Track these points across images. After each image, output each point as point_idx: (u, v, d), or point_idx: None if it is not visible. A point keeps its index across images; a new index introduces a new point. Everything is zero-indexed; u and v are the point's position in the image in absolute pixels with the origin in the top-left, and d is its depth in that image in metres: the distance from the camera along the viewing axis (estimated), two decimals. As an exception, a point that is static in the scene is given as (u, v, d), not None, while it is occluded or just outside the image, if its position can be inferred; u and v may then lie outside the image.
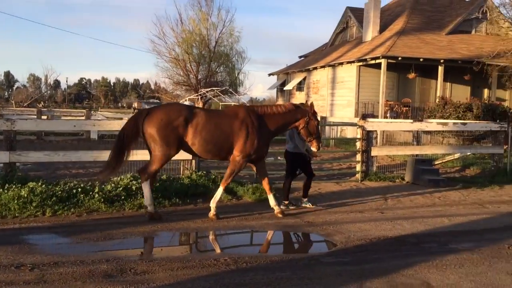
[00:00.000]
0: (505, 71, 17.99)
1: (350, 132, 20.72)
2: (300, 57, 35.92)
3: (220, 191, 7.01)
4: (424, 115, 19.83)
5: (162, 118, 6.56)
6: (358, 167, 10.92)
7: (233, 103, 35.72)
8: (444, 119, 17.31)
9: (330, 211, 7.61)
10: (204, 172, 9.22)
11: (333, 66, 25.60)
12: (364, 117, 13.31)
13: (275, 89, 35.26)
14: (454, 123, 13.06)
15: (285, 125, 7.31)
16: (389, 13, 27.33)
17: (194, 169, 9.25)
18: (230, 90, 39.26)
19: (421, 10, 25.94)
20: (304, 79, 29.51)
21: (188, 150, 6.88)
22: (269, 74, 35.34)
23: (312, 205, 7.93)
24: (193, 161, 9.25)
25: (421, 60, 21.11)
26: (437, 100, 20.78)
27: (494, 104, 18.86)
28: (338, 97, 25.51)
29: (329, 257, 5.29)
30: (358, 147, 11.11)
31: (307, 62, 30.76)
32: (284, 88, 31.64)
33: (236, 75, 42.09)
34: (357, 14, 27.04)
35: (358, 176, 10.78)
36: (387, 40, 23.06)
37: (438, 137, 17.54)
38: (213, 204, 6.88)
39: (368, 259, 5.26)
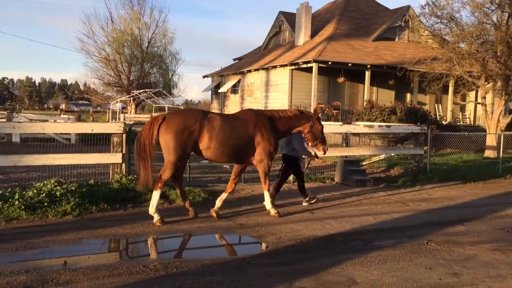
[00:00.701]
0: (425, 77, 19.18)
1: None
2: (235, 59, 36.10)
3: (266, 194, 7.48)
4: (352, 117, 20.66)
5: (179, 123, 6.67)
6: (290, 169, 11.13)
7: (167, 105, 35.15)
8: (371, 121, 18.16)
9: (263, 213, 7.69)
10: (135, 176, 8.96)
11: (267, 69, 25.99)
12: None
13: (210, 91, 35.14)
14: (380, 126, 13.73)
15: (290, 128, 7.65)
16: (319, 19, 28.22)
17: (124, 173, 8.97)
18: (164, 92, 38.60)
19: (349, 17, 27.05)
20: (239, 81, 29.70)
21: (201, 153, 6.98)
22: (204, 76, 35.18)
23: (312, 201, 8.57)
24: (123, 164, 8.98)
25: (349, 65, 22.00)
26: (365, 103, 21.76)
27: (415, 107, 20.07)
28: (272, 100, 25.93)
29: (260, 259, 5.34)
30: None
31: (242, 65, 30.98)
32: (219, 91, 31.64)
33: (170, 76, 41.53)
34: (290, 18, 27.68)
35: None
36: (318, 45, 23.80)
37: (366, 139, 18.38)
38: (268, 206, 7.42)
39: (298, 258, 5.37)
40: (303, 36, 25.71)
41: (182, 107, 39.33)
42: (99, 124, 9.92)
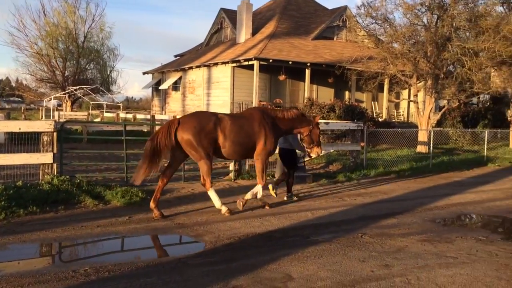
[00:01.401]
0: (362, 75, 19.83)
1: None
2: (176, 56, 35.54)
3: (259, 187, 7.80)
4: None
5: (195, 126, 7.10)
6: (231, 166, 11.11)
7: (105, 103, 33.96)
8: (311, 118, 18.51)
9: (202, 212, 7.60)
10: (68, 176, 8.56)
11: (209, 66, 25.80)
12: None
13: (151, 88, 34.36)
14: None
15: (291, 129, 8.20)
16: (260, 16, 28.40)
17: (55, 173, 8.54)
18: (102, 88, 37.26)
19: (289, 15, 27.43)
20: (180, 78, 29.26)
21: (218, 152, 7.44)
22: (144, 73, 34.32)
23: (295, 199, 8.89)
24: (55, 164, 8.55)
25: (290, 63, 22.31)
26: (305, 101, 22.17)
27: (353, 105, 20.72)
28: (214, 97, 25.78)
29: (197, 258, 5.26)
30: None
31: (183, 62, 30.55)
32: (160, 87, 31.02)
33: (108, 72, 40.15)
34: (231, 16, 27.63)
35: (232, 175, 10.97)
36: (259, 42, 23.94)
37: (306, 135, 18.70)
38: (247, 197, 7.75)
39: (236, 257, 5.34)
40: (244, 34, 25.75)
41: (121, 105, 38.18)
42: (28, 122, 9.35)
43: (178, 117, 9.07)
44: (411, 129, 19.29)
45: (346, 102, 23.04)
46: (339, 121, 16.85)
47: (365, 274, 4.87)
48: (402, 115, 28.62)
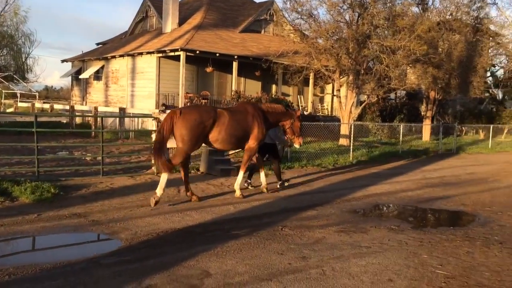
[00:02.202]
0: (288, 69, 20.14)
1: (151, 124, 20.43)
2: (98, 44, 33.90)
3: (240, 175, 8.52)
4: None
5: (195, 118, 7.57)
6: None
7: (19, 92, 31.64)
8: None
9: (120, 207, 7.27)
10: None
11: (133, 55, 24.87)
12: (166, 108, 13.29)
13: (70, 77, 32.52)
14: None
15: (277, 121, 8.98)
16: (187, 7, 27.85)
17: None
18: (16, 76, 34.67)
19: (217, 7, 27.16)
20: (103, 67, 27.96)
21: (210, 143, 8.04)
22: (63, 61, 32.35)
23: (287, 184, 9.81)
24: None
25: (217, 55, 22.09)
26: (232, 93, 22.12)
27: (279, 98, 21.01)
28: (139, 88, 24.93)
29: (110, 258, 5.00)
30: (154, 139, 10.96)
31: (105, 50, 29.19)
32: (80, 77, 29.43)
33: (24, 59, 37.46)
34: (157, 4, 26.81)
35: (154, 169, 10.64)
36: (186, 33, 23.47)
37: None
38: (237, 187, 8.47)
39: (153, 254, 5.15)
40: (170, 24, 25.10)
41: (36, 94, 35.78)
42: None
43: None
44: (334, 122, 19.94)
45: (273, 96, 23.31)
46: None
47: (283, 267, 4.90)
48: (326, 109, 29.52)
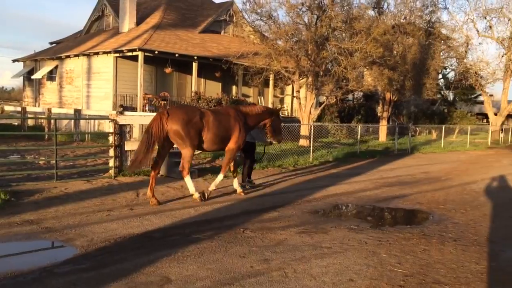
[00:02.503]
0: (248, 70, 20.16)
1: (108, 126, 19.90)
2: (52, 43, 32.73)
3: (220, 177, 8.75)
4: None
5: (184, 115, 7.85)
6: (111, 163, 10.50)
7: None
8: (198, 113, 18.31)
9: (75, 213, 7.01)
10: None
11: (89, 55, 24.17)
12: (123, 110, 12.91)
13: (22, 77, 31.22)
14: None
15: (258, 122, 9.20)
16: (145, 6, 27.37)
17: None
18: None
19: (176, 7, 26.84)
20: (56, 67, 27.00)
21: (199, 144, 8.19)
22: (14, 60, 31.01)
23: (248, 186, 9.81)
24: None
25: (176, 55, 21.81)
26: (192, 94, 21.90)
27: (240, 99, 20.97)
28: (95, 89, 24.24)
29: (65, 266, 4.78)
30: (111, 142, 10.68)
31: (60, 50, 28.22)
32: (32, 77, 28.31)
33: (-31, 58, 35.58)
34: (113, 3, 26.20)
35: (112, 172, 10.36)
36: (144, 33, 23.05)
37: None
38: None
39: (110, 261, 4.98)
40: (128, 23, 24.57)
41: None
42: None
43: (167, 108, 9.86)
44: (294, 123, 20.12)
45: (234, 97, 23.26)
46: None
47: (245, 270, 4.86)
48: (287, 110, 29.77)
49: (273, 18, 18.43)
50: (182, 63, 23.43)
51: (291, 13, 18.10)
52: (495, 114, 32.84)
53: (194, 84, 23.30)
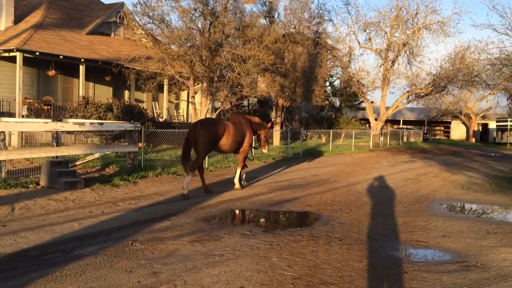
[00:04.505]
0: (141, 75, 19.49)
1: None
2: None
3: (239, 171, 11.03)
4: (66, 114, 19.21)
5: (212, 129, 10.06)
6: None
7: None
8: (86, 118, 17.25)
9: None
10: None
11: (-43, 55, 21.49)
12: (0, 115, 11.67)
13: None
14: (91, 123, 13.11)
15: (257, 130, 11.56)
16: (25, 3, 25.19)
17: None
18: None
19: (60, 6, 25.12)
20: None
21: (218, 148, 10.44)
22: None
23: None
24: None
25: (61, 57, 20.35)
26: (80, 99, 20.57)
27: (132, 105, 20.16)
28: (-35, 92, 21.61)
29: None
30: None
31: None
32: None
33: None
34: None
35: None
36: (23, 32, 21.16)
37: (81, 137, 17.37)
38: (236, 181, 11.03)
39: (-27, 288, 4.37)
40: (4, 21, 22.34)
41: None
42: None
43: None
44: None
45: (126, 102, 22.30)
46: (115, 121, 16.13)
47: (131, 286, 4.57)
48: (182, 115, 29.37)
49: (165, 22, 18.03)
50: (68, 66, 21.93)
51: (184, 18, 17.88)
52: (376, 119, 35.80)
53: (82, 88, 21.92)
